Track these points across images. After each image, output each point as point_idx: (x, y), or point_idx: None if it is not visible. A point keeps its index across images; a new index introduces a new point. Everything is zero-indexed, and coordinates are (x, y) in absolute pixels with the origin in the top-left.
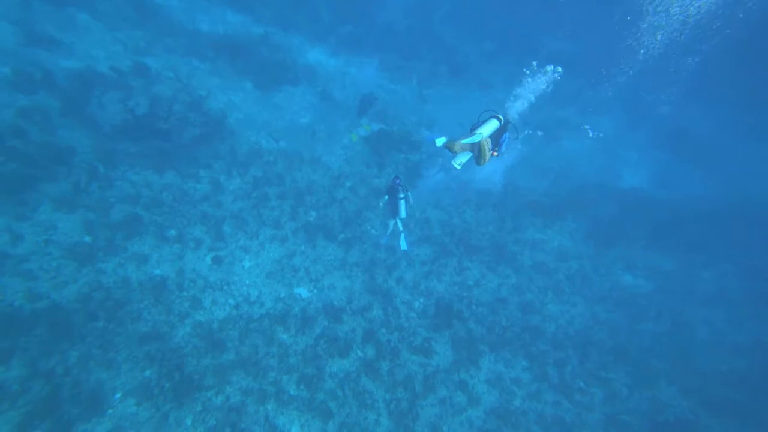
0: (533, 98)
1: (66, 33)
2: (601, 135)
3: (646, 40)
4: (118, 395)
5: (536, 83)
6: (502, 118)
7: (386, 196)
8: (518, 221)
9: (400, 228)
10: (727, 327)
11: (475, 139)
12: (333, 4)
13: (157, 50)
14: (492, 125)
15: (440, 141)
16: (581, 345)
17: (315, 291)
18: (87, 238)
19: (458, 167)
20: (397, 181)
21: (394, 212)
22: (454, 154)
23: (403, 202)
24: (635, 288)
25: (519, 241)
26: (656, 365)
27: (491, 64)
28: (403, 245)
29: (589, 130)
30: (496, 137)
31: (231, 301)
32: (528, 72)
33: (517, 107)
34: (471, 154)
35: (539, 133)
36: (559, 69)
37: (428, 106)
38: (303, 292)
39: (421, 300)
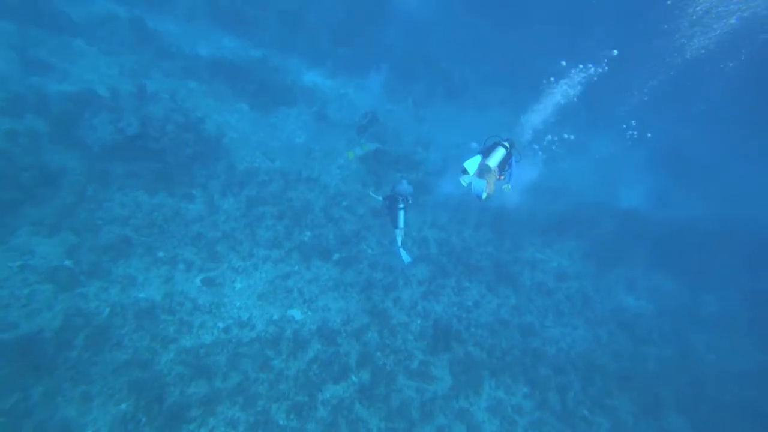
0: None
1: (60, 58)
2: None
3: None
4: None
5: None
6: (508, 145)
7: (381, 197)
8: (517, 240)
9: (399, 242)
10: (734, 354)
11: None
12: (331, 28)
13: (153, 74)
14: (499, 154)
15: (466, 180)
16: (584, 369)
17: (309, 313)
18: (68, 262)
19: (465, 185)
20: (397, 190)
21: (394, 222)
22: (465, 173)
23: (402, 212)
24: (638, 310)
25: (518, 260)
26: (663, 393)
27: (487, 86)
28: (406, 258)
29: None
30: (503, 164)
31: (220, 324)
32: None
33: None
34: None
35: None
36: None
37: (425, 126)
38: (296, 313)
39: (419, 321)
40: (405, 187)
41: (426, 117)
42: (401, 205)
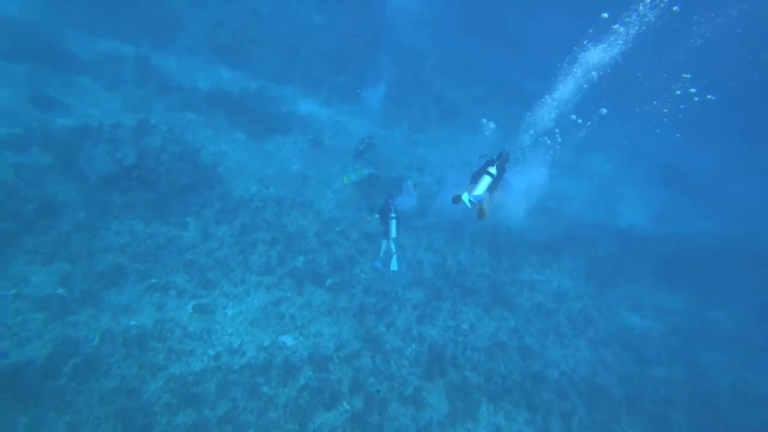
0: None
1: (66, 95)
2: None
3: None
4: None
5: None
6: (494, 171)
7: (377, 215)
8: (514, 261)
9: (393, 249)
10: (751, 374)
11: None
12: (325, 57)
13: (154, 107)
14: (485, 183)
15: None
16: (588, 393)
17: (301, 339)
18: (60, 290)
19: (469, 205)
20: (390, 201)
21: (386, 232)
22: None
23: (394, 221)
24: (644, 329)
25: (516, 282)
26: (676, 418)
27: (480, 107)
28: (394, 266)
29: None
30: (497, 181)
31: (210, 351)
32: None
33: None
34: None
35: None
36: None
37: (420, 149)
38: (288, 340)
39: (414, 346)
40: (409, 187)
41: (420, 140)
42: (393, 215)
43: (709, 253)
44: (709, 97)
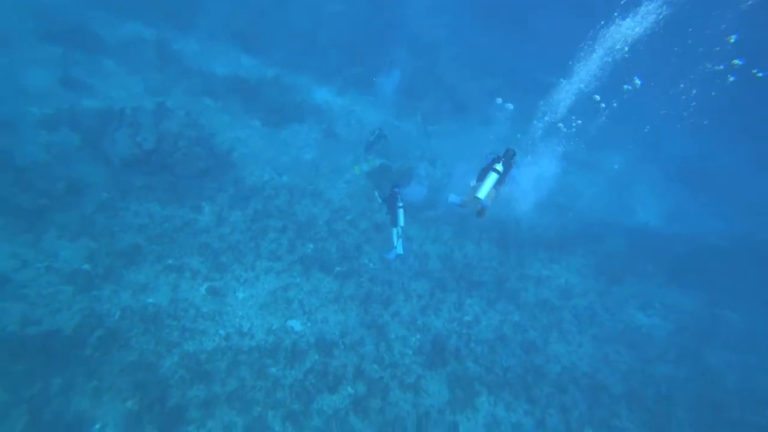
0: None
1: (93, 76)
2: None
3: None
4: (98, 426)
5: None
6: (500, 168)
7: (381, 200)
8: (522, 256)
9: (397, 236)
10: (760, 373)
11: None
12: (341, 47)
13: (173, 91)
14: (491, 181)
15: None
16: (589, 388)
17: (308, 324)
18: (86, 266)
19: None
20: (396, 190)
21: (394, 221)
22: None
23: (401, 210)
24: (651, 328)
25: (524, 276)
26: (678, 414)
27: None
28: (400, 249)
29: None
30: (503, 178)
31: (221, 331)
32: None
33: None
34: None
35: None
36: None
37: (432, 141)
38: (296, 324)
39: (418, 336)
40: (421, 176)
41: (433, 132)
42: (400, 204)
43: (722, 252)
44: (757, 72)
